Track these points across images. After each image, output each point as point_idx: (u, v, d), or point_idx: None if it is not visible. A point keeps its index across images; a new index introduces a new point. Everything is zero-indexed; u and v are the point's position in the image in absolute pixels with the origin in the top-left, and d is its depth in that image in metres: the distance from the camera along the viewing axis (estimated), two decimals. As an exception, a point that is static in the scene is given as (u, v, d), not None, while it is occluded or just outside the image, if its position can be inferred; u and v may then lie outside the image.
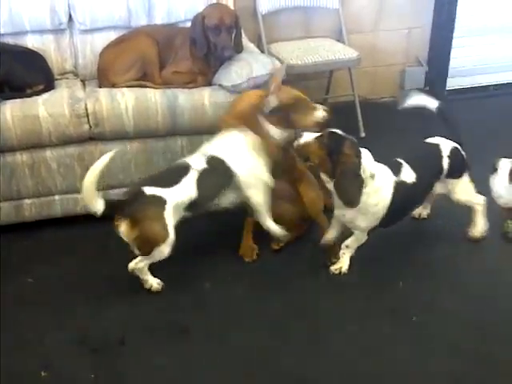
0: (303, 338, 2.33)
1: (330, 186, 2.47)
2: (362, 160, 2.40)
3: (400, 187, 2.53)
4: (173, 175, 2.50)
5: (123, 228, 2.40)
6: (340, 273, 2.64)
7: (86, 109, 2.83)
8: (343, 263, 2.65)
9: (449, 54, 4.46)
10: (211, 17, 3.01)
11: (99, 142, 2.90)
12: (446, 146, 2.71)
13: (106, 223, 2.91)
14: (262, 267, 2.72)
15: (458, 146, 2.73)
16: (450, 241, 2.67)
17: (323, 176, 2.49)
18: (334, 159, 2.38)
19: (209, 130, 2.95)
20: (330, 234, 2.70)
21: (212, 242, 2.87)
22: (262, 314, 2.45)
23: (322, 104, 2.66)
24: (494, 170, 2.32)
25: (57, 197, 2.94)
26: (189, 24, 3.15)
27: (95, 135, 2.87)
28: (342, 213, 2.55)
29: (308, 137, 2.44)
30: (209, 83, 3.06)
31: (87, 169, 2.86)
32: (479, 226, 2.81)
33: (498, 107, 4.23)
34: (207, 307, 2.49)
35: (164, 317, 2.44)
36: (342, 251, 2.65)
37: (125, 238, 2.41)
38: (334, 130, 2.43)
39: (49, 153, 2.85)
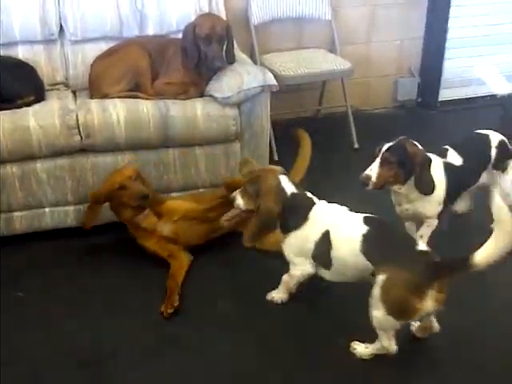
0: (291, 351, 2.30)
1: (403, 189, 2.54)
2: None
3: (449, 167, 2.62)
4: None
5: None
6: None
7: (77, 120, 2.81)
8: None
9: (441, 65, 4.47)
10: (202, 26, 3.00)
11: (90, 154, 2.87)
12: (495, 137, 2.79)
13: (96, 236, 2.91)
14: (247, 280, 2.70)
15: (506, 140, 2.82)
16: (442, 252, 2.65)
17: (395, 186, 2.54)
18: (408, 165, 2.46)
19: (201, 141, 2.96)
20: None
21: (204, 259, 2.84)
22: (250, 327, 2.43)
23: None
24: (503, 169, 2.50)
25: (47, 209, 2.91)
26: (181, 34, 3.14)
27: (86, 146, 2.84)
28: (406, 207, 2.61)
29: (374, 169, 2.46)
30: (201, 94, 3.05)
31: (78, 181, 2.87)
32: None
33: (490, 118, 4.23)
34: (199, 321, 2.46)
35: (155, 330, 2.41)
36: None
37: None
38: (388, 145, 2.47)
39: (39, 164, 2.82)
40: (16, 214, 2.88)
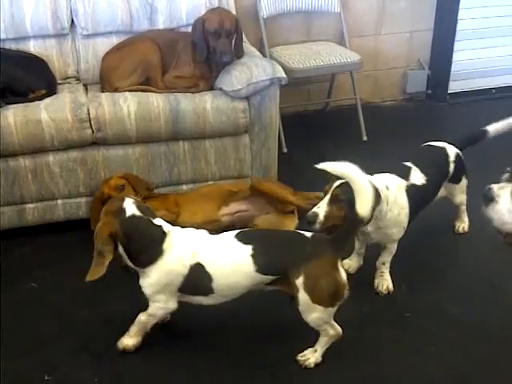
0: (300, 345, 2.27)
1: (368, 227, 2.37)
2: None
3: (412, 189, 2.46)
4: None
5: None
6: (389, 292, 2.52)
7: (89, 113, 2.84)
8: (387, 281, 2.54)
9: (451, 57, 4.45)
10: (211, 21, 3.02)
11: (102, 147, 2.91)
12: (451, 151, 2.72)
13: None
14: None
15: (460, 152, 2.75)
16: (454, 245, 2.67)
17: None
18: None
19: (211, 134, 2.98)
20: (356, 263, 2.65)
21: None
22: (260, 323, 2.44)
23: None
24: (490, 199, 1.96)
25: (59, 201, 2.95)
26: (190, 28, 3.16)
27: (98, 140, 2.87)
28: (372, 236, 2.45)
29: (322, 207, 2.24)
30: (211, 87, 3.07)
31: (90, 173, 2.90)
32: (466, 222, 2.93)
33: (499, 110, 4.21)
34: (209, 316, 2.43)
35: (168, 323, 2.40)
36: (379, 270, 2.54)
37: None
38: (340, 181, 2.24)
39: (51, 157, 2.85)
40: (29, 205, 2.92)
